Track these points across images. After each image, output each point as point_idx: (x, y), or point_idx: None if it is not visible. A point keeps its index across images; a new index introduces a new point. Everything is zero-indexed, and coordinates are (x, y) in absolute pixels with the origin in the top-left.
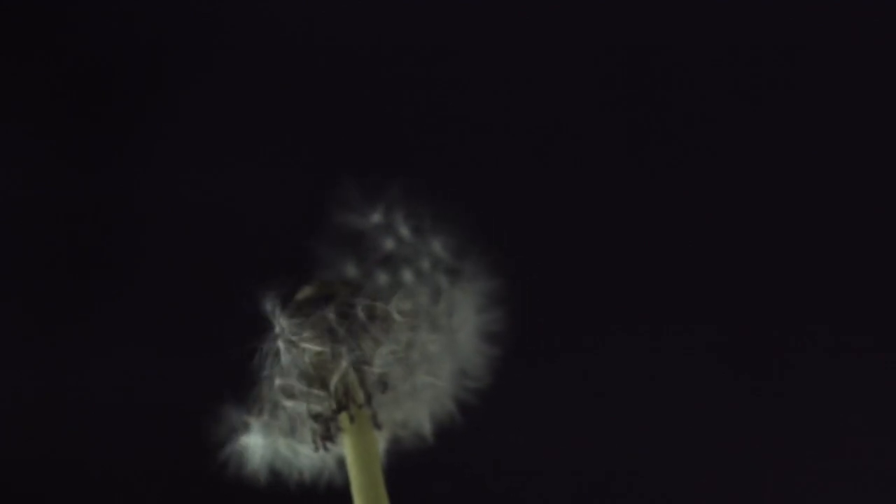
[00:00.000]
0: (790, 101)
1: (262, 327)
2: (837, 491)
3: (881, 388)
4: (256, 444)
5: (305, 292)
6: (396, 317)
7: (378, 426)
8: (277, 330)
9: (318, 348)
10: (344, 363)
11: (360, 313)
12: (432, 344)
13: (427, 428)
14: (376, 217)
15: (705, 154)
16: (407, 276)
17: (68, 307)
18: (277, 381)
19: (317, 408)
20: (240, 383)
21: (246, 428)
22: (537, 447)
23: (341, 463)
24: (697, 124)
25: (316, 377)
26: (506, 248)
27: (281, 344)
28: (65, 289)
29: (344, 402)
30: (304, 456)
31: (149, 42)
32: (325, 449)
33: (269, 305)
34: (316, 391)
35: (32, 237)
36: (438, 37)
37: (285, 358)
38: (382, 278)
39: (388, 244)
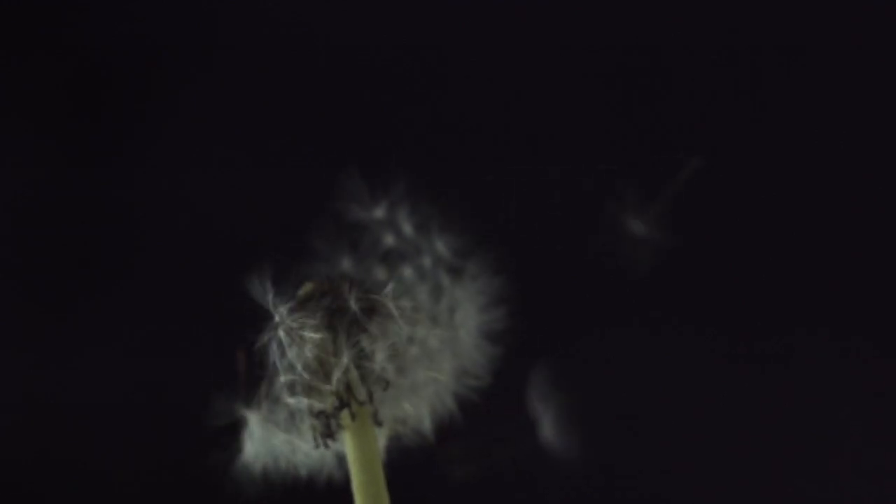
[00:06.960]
0: (790, 101)
1: (262, 319)
2: (837, 491)
3: (881, 390)
4: (254, 440)
5: (305, 288)
6: (396, 311)
7: (379, 423)
8: (277, 319)
9: (319, 335)
10: (345, 359)
11: (359, 307)
12: (433, 339)
13: (428, 425)
14: (379, 212)
15: (705, 153)
16: (407, 272)
17: (67, 306)
18: (281, 377)
19: (318, 405)
20: (237, 379)
21: (243, 423)
22: (538, 446)
23: (340, 459)
24: (697, 124)
25: (318, 372)
26: (508, 248)
27: (282, 333)
28: (64, 288)
29: (345, 399)
30: (303, 452)
31: (149, 42)
32: (326, 446)
33: (268, 296)
34: (318, 386)
35: (31, 237)
36: (443, 37)
37: (290, 350)
38: (382, 274)
39: (389, 240)
